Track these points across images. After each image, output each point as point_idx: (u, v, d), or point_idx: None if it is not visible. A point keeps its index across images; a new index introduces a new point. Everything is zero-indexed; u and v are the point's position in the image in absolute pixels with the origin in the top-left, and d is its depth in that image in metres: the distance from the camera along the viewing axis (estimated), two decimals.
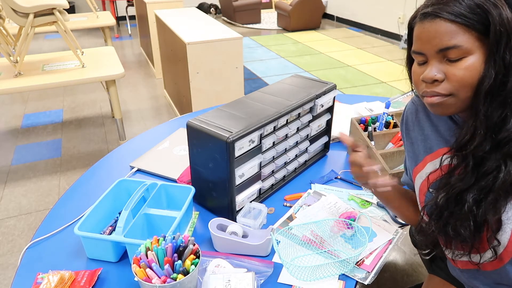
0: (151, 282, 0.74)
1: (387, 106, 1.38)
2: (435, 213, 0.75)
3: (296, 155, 1.24)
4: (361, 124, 1.33)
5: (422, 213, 0.80)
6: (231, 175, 0.99)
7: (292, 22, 6.30)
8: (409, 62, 0.78)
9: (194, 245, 0.81)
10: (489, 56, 0.63)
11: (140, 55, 5.23)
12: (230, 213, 1.05)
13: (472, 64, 0.64)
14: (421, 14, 0.68)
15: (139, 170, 1.30)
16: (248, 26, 6.89)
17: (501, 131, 0.65)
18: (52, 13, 2.34)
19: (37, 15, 2.28)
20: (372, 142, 1.27)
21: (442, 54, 0.66)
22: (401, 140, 1.31)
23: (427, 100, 0.70)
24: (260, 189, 1.13)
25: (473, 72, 0.64)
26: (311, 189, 1.20)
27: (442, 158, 0.75)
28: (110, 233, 0.98)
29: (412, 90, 0.82)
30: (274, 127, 1.09)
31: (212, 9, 6.94)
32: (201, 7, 6.88)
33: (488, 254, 0.73)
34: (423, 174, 0.83)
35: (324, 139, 1.34)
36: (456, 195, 0.71)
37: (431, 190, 0.80)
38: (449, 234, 0.74)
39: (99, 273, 0.89)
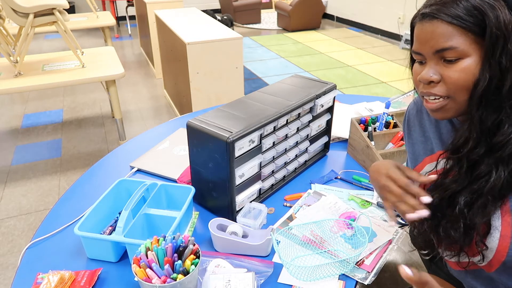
0: (151, 282, 0.74)
1: (387, 106, 1.38)
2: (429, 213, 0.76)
3: (296, 155, 1.24)
4: (361, 124, 1.33)
5: None
6: (231, 175, 0.99)
7: (292, 22, 6.30)
8: (412, 61, 0.77)
9: (194, 245, 0.81)
10: (485, 59, 0.63)
11: (140, 55, 5.23)
12: (230, 213, 1.05)
13: (467, 66, 0.64)
14: (421, 14, 0.68)
15: (139, 170, 1.30)
16: (248, 26, 6.89)
17: (496, 135, 0.64)
18: (52, 13, 2.35)
19: (37, 15, 2.28)
20: (372, 142, 1.27)
21: (439, 55, 0.66)
22: (401, 140, 1.31)
23: (427, 105, 0.71)
24: (260, 189, 1.13)
25: (468, 74, 0.64)
26: (311, 189, 1.20)
27: (438, 160, 0.75)
28: (110, 233, 0.98)
29: (414, 89, 0.82)
30: (274, 127, 1.09)
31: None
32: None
33: (477, 259, 0.74)
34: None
35: (324, 139, 1.34)
36: (449, 197, 0.71)
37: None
38: (440, 235, 0.74)
39: (99, 273, 0.89)
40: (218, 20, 5.07)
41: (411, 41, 0.75)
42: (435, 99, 0.68)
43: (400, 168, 0.80)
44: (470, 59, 0.64)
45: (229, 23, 5.97)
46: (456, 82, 0.65)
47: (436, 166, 0.76)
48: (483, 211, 0.67)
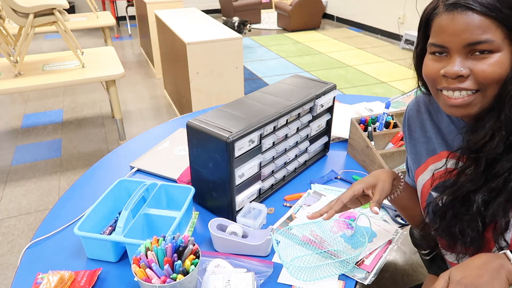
0: (151, 282, 0.74)
1: (387, 106, 1.38)
2: (439, 213, 0.75)
3: (296, 155, 1.24)
4: (361, 124, 1.33)
5: (424, 214, 0.80)
6: (231, 175, 0.99)
7: (292, 22, 6.30)
8: (420, 55, 0.74)
9: (194, 245, 0.81)
10: None
11: (140, 55, 5.22)
12: (230, 213, 1.05)
13: (500, 60, 0.62)
14: (449, 4, 0.64)
15: (139, 170, 1.30)
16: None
17: None
18: (52, 13, 2.34)
19: (37, 15, 2.28)
20: (372, 142, 1.27)
21: (469, 48, 0.63)
22: (401, 140, 1.31)
23: (450, 101, 0.67)
24: (260, 189, 1.13)
25: (502, 69, 0.62)
26: (311, 189, 1.20)
27: (446, 160, 0.74)
28: (110, 233, 0.98)
29: (419, 86, 0.79)
30: (274, 127, 1.09)
31: (246, 25, 5.40)
32: (227, 23, 5.32)
33: None
34: (426, 175, 0.82)
35: (324, 139, 1.34)
36: (463, 196, 0.70)
37: (433, 193, 0.79)
38: (454, 235, 0.73)
39: (99, 273, 0.89)
40: (237, 28, 5.04)
41: (423, 34, 0.70)
42: (460, 94, 0.66)
43: (373, 187, 0.86)
44: (501, 54, 0.62)
45: (240, 26, 5.70)
46: (490, 77, 0.63)
47: (446, 165, 0.75)
48: (504, 208, 0.66)
